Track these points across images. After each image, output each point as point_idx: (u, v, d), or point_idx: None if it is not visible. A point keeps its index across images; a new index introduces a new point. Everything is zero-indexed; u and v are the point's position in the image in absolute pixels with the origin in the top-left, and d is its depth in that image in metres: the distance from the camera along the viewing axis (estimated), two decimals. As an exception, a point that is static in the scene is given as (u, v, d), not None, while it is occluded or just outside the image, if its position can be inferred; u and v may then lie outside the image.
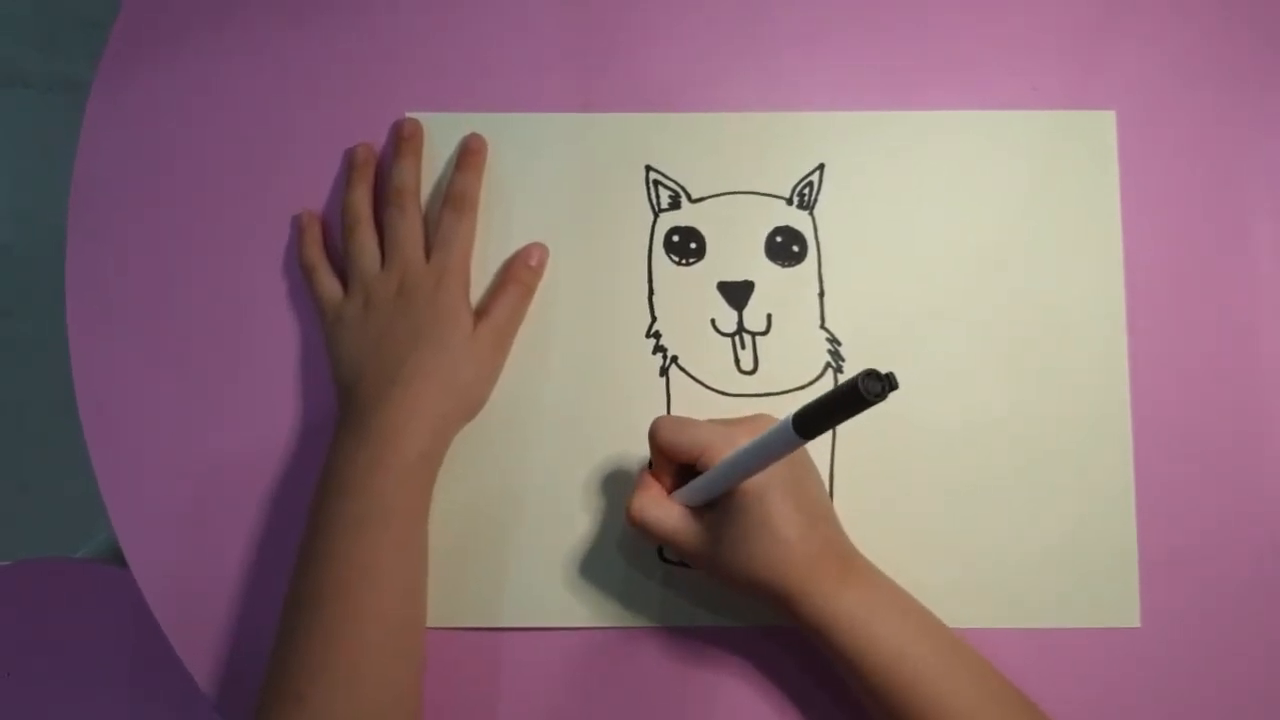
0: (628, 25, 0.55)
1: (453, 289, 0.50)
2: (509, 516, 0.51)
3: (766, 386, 0.52)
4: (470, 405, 0.50)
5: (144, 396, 0.52)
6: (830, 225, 0.53)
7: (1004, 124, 0.53)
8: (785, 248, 0.52)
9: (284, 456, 0.52)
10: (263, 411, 0.52)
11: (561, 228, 0.53)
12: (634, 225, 0.53)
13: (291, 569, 0.46)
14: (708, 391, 0.52)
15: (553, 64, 0.54)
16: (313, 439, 0.52)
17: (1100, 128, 0.53)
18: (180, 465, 0.52)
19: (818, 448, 0.49)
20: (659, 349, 0.52)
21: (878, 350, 0.52)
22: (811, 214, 0.53)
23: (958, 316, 0.52)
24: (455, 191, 0.52)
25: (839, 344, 0.52)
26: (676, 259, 0.53)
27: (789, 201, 0.53)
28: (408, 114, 0.54)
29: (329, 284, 0.52)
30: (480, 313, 0.51)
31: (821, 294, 0.52)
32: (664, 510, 0.45)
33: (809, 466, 0.46)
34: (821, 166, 0.53)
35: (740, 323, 0.52)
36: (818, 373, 0.52)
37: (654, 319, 0.52)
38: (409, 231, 0.51)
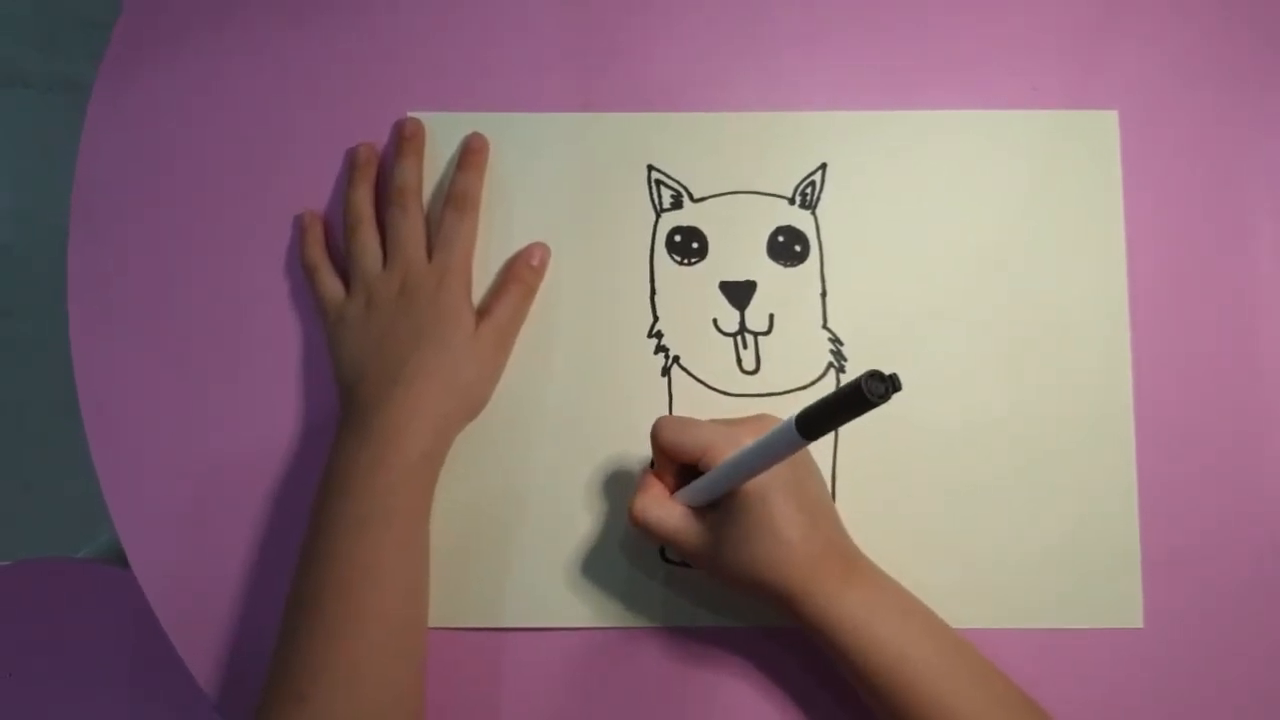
0: (628, 25, 0.55)
1: (455, 289, 0.50)
2: (511, 516, 0.51)
3: (768, 386, 0.52)
4: (472, 405, 0.50)
5: (145, 396, 0.52)
6: (832, 225, 0.53)
7: (1005, 124, 0.53)
8: (787, 247, 0.52)
9: (286, 456, 0.52)
10: (264, 411, 0.52)
11: (563, 227, 0.53)
12: (635, 225, 0.53)
13: (293, 569, 0.46)
14: (710, 391, 0.52)
15: (554, 64, 0.54)
16: (314, 439, 0.52)
17: (1102, 128, 0.53)
18: (182, 465, 0.52)
19: (820, 448, 0.49)
20: (661, 349, 0.52)
21: (880, 350, 0.52)
22: (814, 214, 0.53)
23: (960, 316, 0.52)
24: (457, 191, 0.52)
25: (841, 344, 0.52)
26: (678, 259, 0.53)
27: (791, 201, 0.53)
28: (409, 114, 0.54)
29: (331, 284, 0.52)
30: (482, 312, 0.51)
31: (824, 294, 0.52)
32: (666, 510, 0.45)
33: (811, 467, 0.46)
34: (824, 166, 0.53)
35: (742, 323, 0.52)
36: (820, 373, 0.52)
37: (656, 319, 0.52)
38: (411, 231, 0.51)
